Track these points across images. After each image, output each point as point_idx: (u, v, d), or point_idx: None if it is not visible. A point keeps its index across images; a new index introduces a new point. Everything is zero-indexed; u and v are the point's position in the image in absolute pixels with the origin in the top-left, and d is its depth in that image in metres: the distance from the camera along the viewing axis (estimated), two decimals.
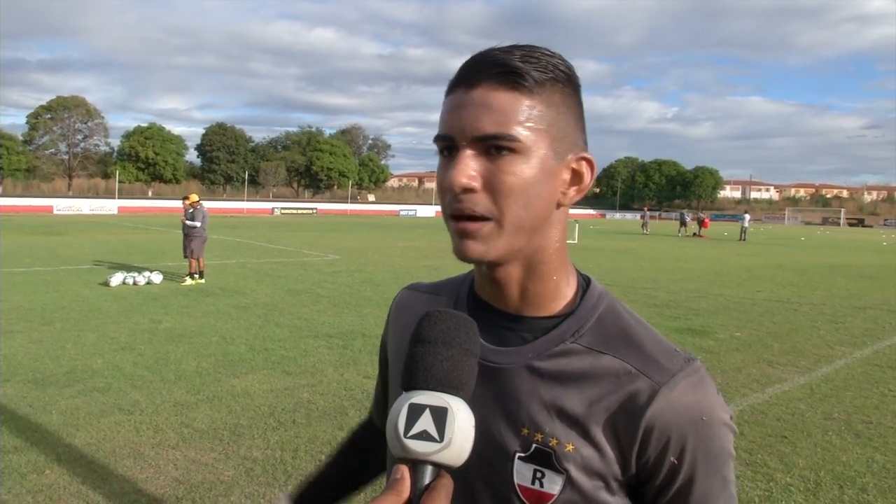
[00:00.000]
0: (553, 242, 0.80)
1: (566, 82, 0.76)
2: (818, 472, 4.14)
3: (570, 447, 0.76)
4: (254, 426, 4.68)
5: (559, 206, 0.78)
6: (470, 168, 0.72)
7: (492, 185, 0.73)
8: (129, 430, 4.53)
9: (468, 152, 0.73)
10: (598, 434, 0.76)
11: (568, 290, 0.83)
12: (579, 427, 0.76)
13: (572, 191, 0.79)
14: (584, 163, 0.79)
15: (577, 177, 0.79)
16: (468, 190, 0.72)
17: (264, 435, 4.53)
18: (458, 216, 0.74)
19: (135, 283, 11.17)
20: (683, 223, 38.30)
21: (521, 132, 0.72)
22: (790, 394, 5.81)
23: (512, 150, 0.72)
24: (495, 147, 0.72)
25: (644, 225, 39.61)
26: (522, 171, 0.73)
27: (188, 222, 12.10)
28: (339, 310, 9.40)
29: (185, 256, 12.16)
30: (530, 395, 0.78)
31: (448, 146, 0.75)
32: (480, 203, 0.73)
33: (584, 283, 0.86)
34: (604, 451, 0.76)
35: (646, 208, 46.11)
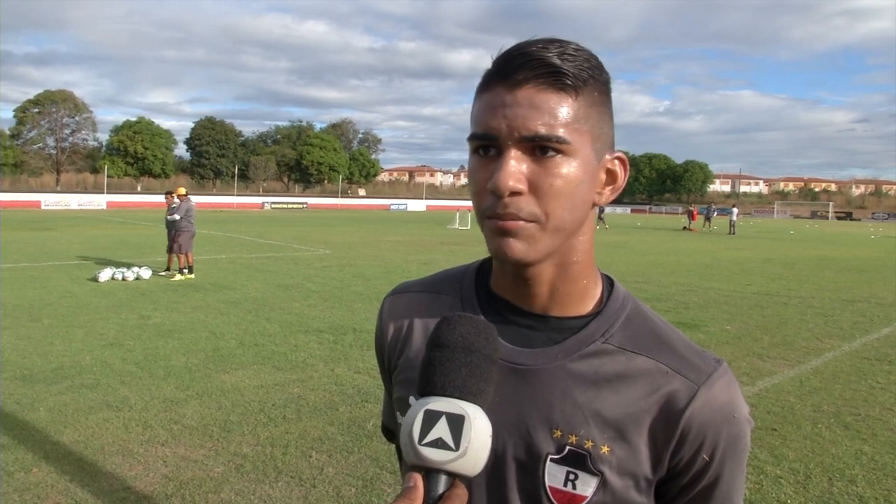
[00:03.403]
0: (585, 242, 0.80)
1: (600, 80, 0.75)
2: (808, 465, 4.17)
3: (605, 449, 0.75)
4: (244, 422, 4.66)
5: (594, 205, 0.78)
6: (518, 170, 0.70)
7: (538, 188, 0.71)
8: (117, 427, 4.50)
9: (514, 153, 0.71)
10: (635, 436, 0.76)
11: (595, 290, 0.83)
12: (616, 429, 0.76)
13: (608, 191, 0.79)
14: (618, 162, 0.79)
15: (611, 176, 0.78)
16: (515, 193, 0.71)
17: (254, 431, 4.51)
18: (500, 217, 0.72)
19: (123, 279, 11.09)
20: (708, 218, 37.71)
21: (568, 133, 0.71)
22: (780, 387, 5.84)
23: (559, 152, 0.71)
24: (541, 148, 0.71)
25: (600, 218, 37.14)
26: (569, 173, 0.72)
27: (167, 217, 12.20)
28: (330, 304, 9.37)
29: (168, 251, 12.22)
30: (563, 396, 0.77)
31: (487, 145, 0.73)
32: (526, 206, 0.71)
33: (608, 283, 0.85)
34: (639, 452, 0.76)
35: None
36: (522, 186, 0.71)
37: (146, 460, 4.00)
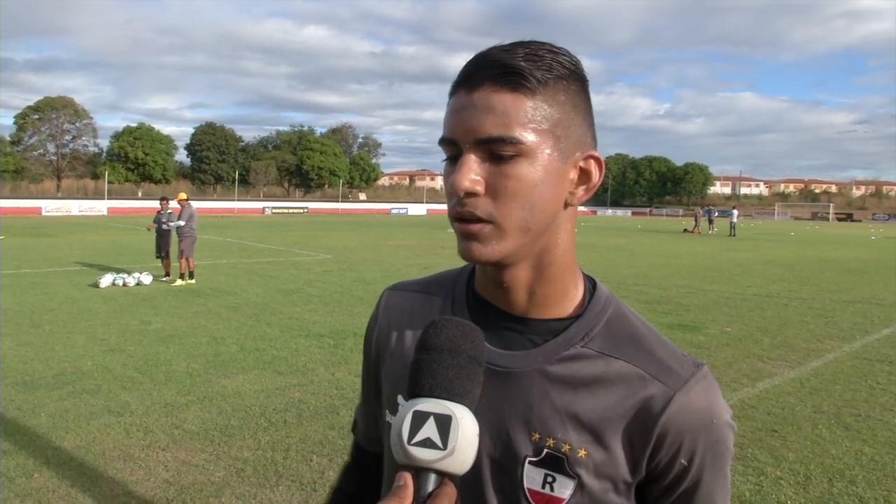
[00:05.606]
0: (561, 243, 0.79)
1: (572, 79, 0.74)
2: (808, 466, 4.17)
3: (582, 453, 0.76)
4: (244, 426, 4.67)
5: (567, 205, 0.77)
6: (473, 172, 0.71)
7: (494, 189, 0.72)
8: (118, 432, 4.51)
9: (471, 156, 0.72)
10: (612, 440, 0.76)
11: (575, 292, 0.82)
12: (593, 433, 0.76)
13: (580, 190, 0.77)
14: (591, 161, 0.77)
15: (585, 175, 0.77)
16: (471, 194, 0.72)
17: (255, 435, 4.52)
18: (461, 219, 0.74)
19: (124, 285, 11.11)
20: (710, 220, 37.59)
21: (524, 134, 0.70)
22: (780, 388, 5.84)
23: (516, 153, 0.71)
24: (499, 150, 0.71)
25: None
26: (526, 174, 0.71)
27: (165, 223, 12.41)
28: (331, 309, 9.39)
29: (157, 256, 12.47)
30: (541, 399, 0.77)
31: (452, 149, 0.75)
32: (481, 207, 0.72)
33: (591, 285, 0.85)
34: (616, 455, 0.76)
35: None
36: (479, 188, 0.71)
37: (147, 465, 4.01)
